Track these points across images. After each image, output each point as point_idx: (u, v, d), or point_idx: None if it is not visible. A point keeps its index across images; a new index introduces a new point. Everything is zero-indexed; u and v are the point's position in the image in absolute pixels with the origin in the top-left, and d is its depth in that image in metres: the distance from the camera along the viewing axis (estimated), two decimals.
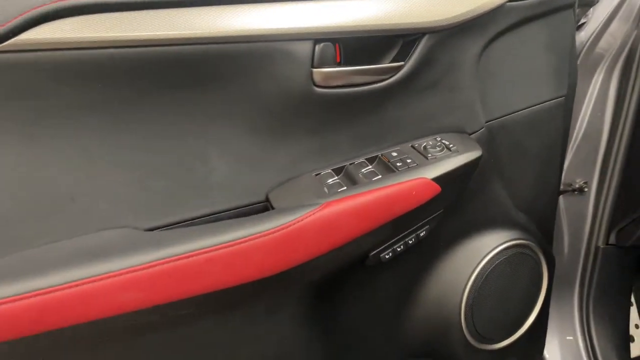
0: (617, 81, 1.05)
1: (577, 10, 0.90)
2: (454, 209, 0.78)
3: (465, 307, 0.83)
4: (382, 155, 0.69)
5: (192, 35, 0.53)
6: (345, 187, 0.64)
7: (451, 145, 0.71)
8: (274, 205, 0.62)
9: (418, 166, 0.67)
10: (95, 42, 0.49)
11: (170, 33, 0.52)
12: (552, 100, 0.86)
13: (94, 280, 0.48)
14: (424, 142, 0.72)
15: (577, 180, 1.13)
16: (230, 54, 0.56)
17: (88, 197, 0.55)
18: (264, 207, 0.64)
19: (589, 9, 1.06)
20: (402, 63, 0.66)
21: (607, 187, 1.10)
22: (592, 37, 1.05)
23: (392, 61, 0.66)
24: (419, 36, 0.66)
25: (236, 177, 0.62)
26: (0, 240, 0.51)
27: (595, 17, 1.05)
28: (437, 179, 0.67)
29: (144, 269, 0.50)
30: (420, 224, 0.72)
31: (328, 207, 0.59)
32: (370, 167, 0.68)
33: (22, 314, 0.46)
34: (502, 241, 0.85)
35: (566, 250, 1.19)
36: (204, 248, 0.53)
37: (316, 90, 0.62)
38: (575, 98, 0.94)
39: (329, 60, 0.61)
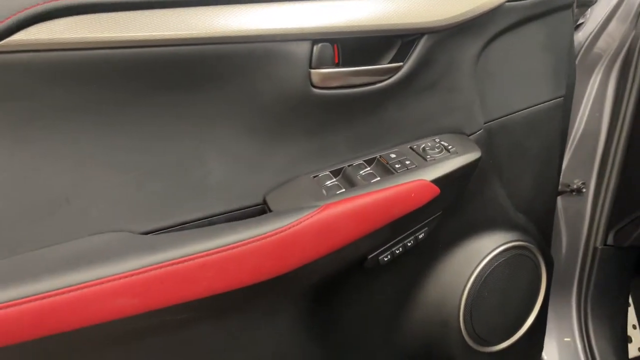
0: (615, 81, 1.05)
1: (575, 11, 0.89)
2: (453, 210, 0.77)
3: (464, 309, 0.82)
4: (380, 156, 0.69)
5: (189, 36, 0.52)
6: (343, 189, 0.63)
7: (450, 147, 0.70)
8: (272, 207, 0.62)
9: (417, 168, 0.67)
10: (89, 42, 0.49)
11: (166, 33, 0.51)
12: (550, 100, 0.85)
13: (89, 286, 0.48)
14: (422, 144, 0.71)
15: (575, 181, 1.13)
16: (227, 55, 0.56)
17: (83, 199, 0.54)
18: (262, 210, 0.64)
19: (587, 9, 1.06)
20: (401, 64, 0.65)
21: (605, 187, 1.09)
22: (590, 37, 1.05)
23: (390, 62, 0.66)
24: (418, 36, 0.65)
25: (233, 179, 0.61)
26: None
27: (593, 17, 1.05)
28: (436, 181, 0.66)
29: (138, 273, 0.50)
30: (419, 226, 0.71)
31: (327, 210, 0.59)
32: (368, 168, 0.67)
33: (16, 320, 0.45)
34: (500, 243, 0.85)
35: (564, 250, 1.19)
36: (199, 252, 0.52)
37: (314, 91, 0.61)
38: (574, 98, 0.93)
39: (327, 60, 0.61)
